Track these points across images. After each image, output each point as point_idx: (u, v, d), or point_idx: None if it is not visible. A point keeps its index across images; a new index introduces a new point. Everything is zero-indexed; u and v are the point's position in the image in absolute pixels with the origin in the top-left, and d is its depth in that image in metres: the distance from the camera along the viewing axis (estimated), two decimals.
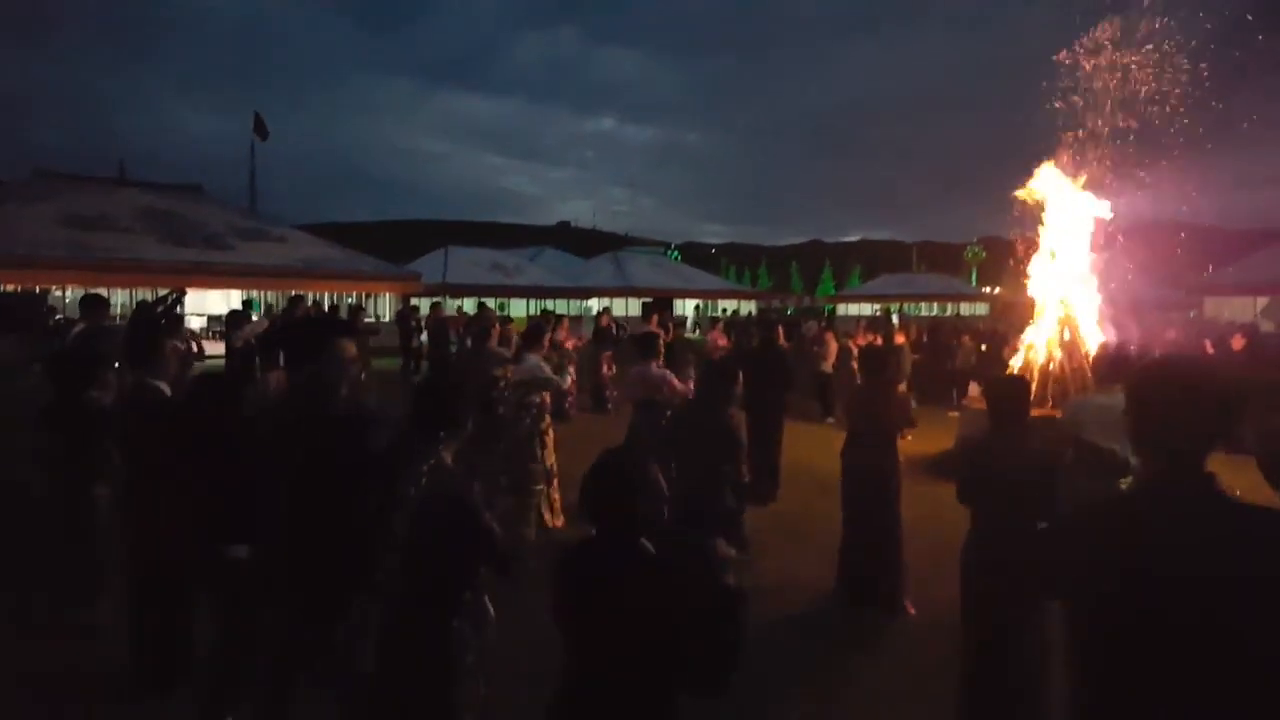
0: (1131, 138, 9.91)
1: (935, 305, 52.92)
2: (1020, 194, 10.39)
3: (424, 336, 18.65)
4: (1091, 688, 1.76)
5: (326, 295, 24.03)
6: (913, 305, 51.05)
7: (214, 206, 26.41)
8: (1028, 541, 2.38)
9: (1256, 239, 31.88)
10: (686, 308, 44.25)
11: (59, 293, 21.69)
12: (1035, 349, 10.24)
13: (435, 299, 22.50)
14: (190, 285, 16.51)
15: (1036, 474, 3.78)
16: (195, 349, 8.43)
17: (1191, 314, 29.53)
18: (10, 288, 19.05)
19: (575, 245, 75.08)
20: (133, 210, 23.31)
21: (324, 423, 3.18)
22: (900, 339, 14.20)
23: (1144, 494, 1.83)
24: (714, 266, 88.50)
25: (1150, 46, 9.78)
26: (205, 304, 25.56)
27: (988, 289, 67.99)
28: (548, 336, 8.44)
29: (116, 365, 5.22)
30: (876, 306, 46.48)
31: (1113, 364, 5.85)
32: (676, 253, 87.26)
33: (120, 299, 21.06)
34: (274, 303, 24.66)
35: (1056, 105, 10.22)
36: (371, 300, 26.97)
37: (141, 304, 12.30)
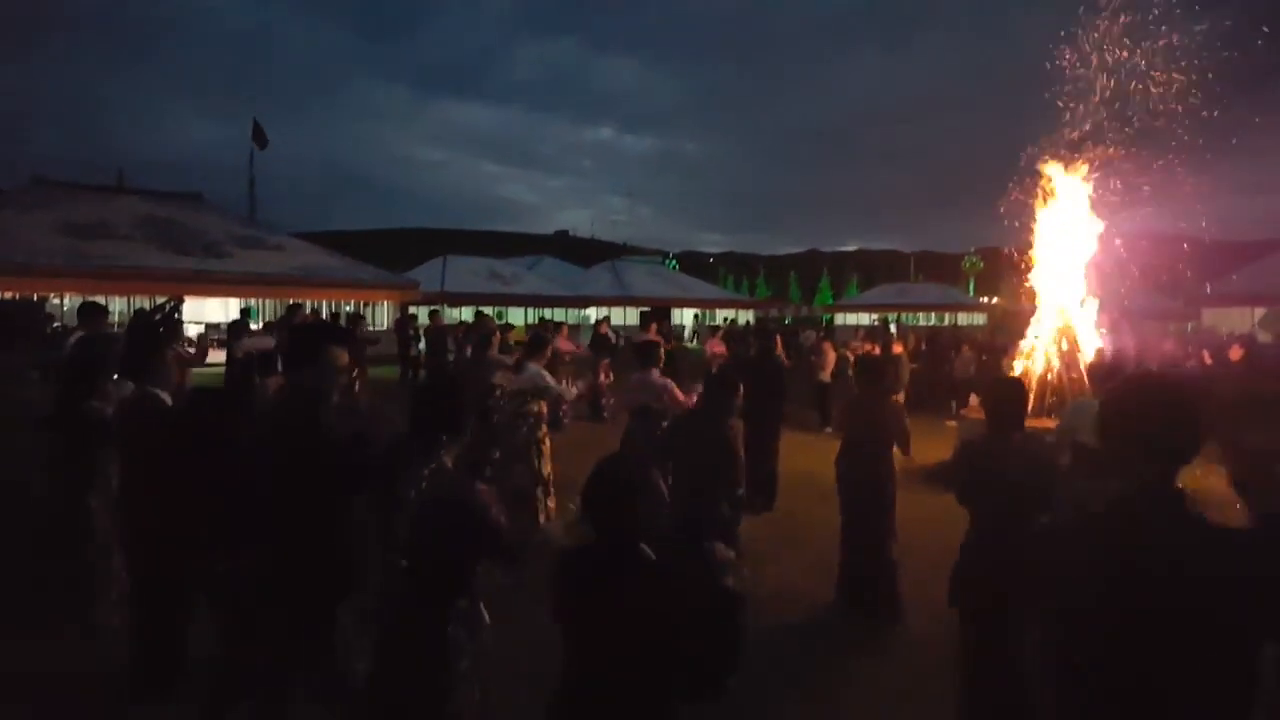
0: (1132, 148, 9.95)
1: (933, 315, 52.99)
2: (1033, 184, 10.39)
3: (421, 345, 18.67)
4: (1084, 688, 1.78)
5: (325, 303, 24.05)
6: (910, 315, 51.10)
7: (213, 215, 26.42)
8: (1027, 542, 2.38)
9: (1255, 250, 31.94)
10: (685, 317, 44.28)
11: (57, 300, 21.69)
12: (1034, 359, 10.26)
13: (433, 307, 22.50)
14: (189, 293, 16.51)
15: (1035, 475, 3.81)
16: (196, 352, 8.45)
17: (1190, 326, 29.57)
18: (8, 295, 19.04)
19: (573, 254, 75.21)
20: (131, 218, 23.33)
21: (312, 428, 3.18)
22: (898, 349, 14.22)
23: (1113, 513, 1.85)
24: (712, 276, 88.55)
25: (1149, 45, 9.81)
26: (204, 312, 25.56)
27: (985, 299, 68.09)
28: (550, 347, 8.44)
29: (115, 376, 5.22)
30: (874, 316, 46.55)
31: (1110, 371, 5.88)
32: (674, 262, 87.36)
33: (118, 307, 21.05)
34: (273, 311, 24.65)
35: (1059, 104, 10.26)
36: (370, 308, 26.97)
37: (139, 312, 12.32)
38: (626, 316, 37.35)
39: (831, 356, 14.42)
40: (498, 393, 7.23)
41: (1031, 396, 9.08)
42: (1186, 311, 31.28)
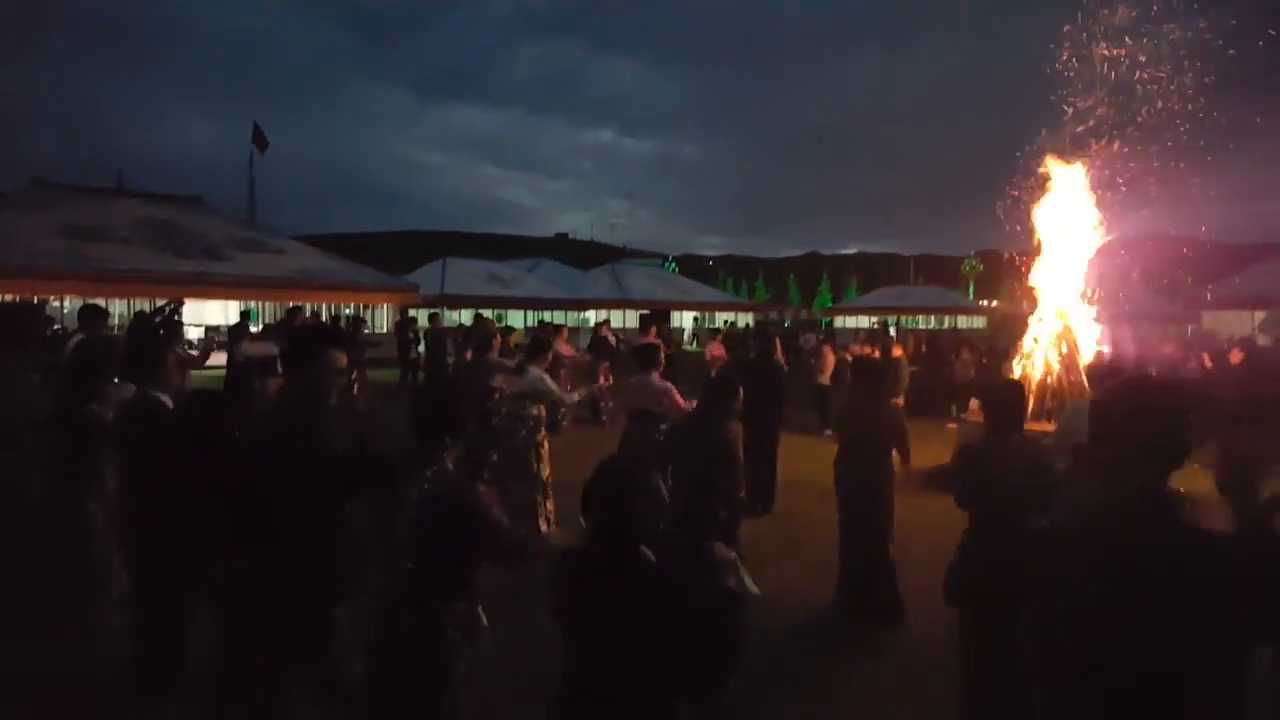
0: (1132, 147, 9.94)
1: (932, 318, 52.98)
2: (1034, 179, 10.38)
3: (421, 347, 18.68)
4: (1083, 688, 1.78)
5: (324, 306, 24.04)
6: (910, 318, 51.10)
7: (213, 217, 26.40)
8: (1027, 541, 2.40)
9: (1254, 253, 31.99)
10: (684, 319, 44.29)
11: (57, 303, 21.69)
12: (1033, 362, 10.26)
13: (433, 310, 22.53)
14: (188, 296, 16.49)
15: (1034, 477, 3.81)
16: (200, 354, 8.44)
17: (1190, 329, 29.59)
18: (8, 298, 19.04)
19: (573, 257, 75.18)
20: (131, 220, 23.32)
21: (311, 430, 3.19)
22: (898, 351, 14.22)
23: (1108, 515, 1.85)
24: (711, 278, 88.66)
25: (1150, 43, 9.81)
26: (203, 314, 25.55)
27: (985, 302, 68.13)
28: (552, 353, 8.43)
29: (116, 379, 5.22)
30: (874, 319, 46.54)
31: (1109, 372, 5.88)
32: (674, 264, 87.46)
33: (118, 309, 21.05)
34: (273, 314, 24.65)
35: (1062, 107, 10.25)
36: (369, 311, 26.97)
37: (139, 315, 12.30)
38: (626, 319, 37.34)
39: (831, 359, 14.42)
40: (496, 396, 7.24)
41: (1031, 399, 9.09)
42: (1186, 314, 31.32)
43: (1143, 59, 9.82)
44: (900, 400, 11.65)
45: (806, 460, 9.66)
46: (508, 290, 35.20)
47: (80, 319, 8.22)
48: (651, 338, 14.07)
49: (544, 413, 7.42)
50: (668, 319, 36.39)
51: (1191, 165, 9.97)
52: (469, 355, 9.49)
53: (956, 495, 4.11)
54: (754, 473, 7.01)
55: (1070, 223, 10.22)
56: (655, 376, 7.18)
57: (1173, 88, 9.67)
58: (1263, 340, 21.83)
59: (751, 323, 40.80)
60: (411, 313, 24.75)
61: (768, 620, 5.27)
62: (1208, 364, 13.31)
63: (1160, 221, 11.15)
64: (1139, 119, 9.86)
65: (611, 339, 17.38)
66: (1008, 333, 20.02)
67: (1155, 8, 9.81)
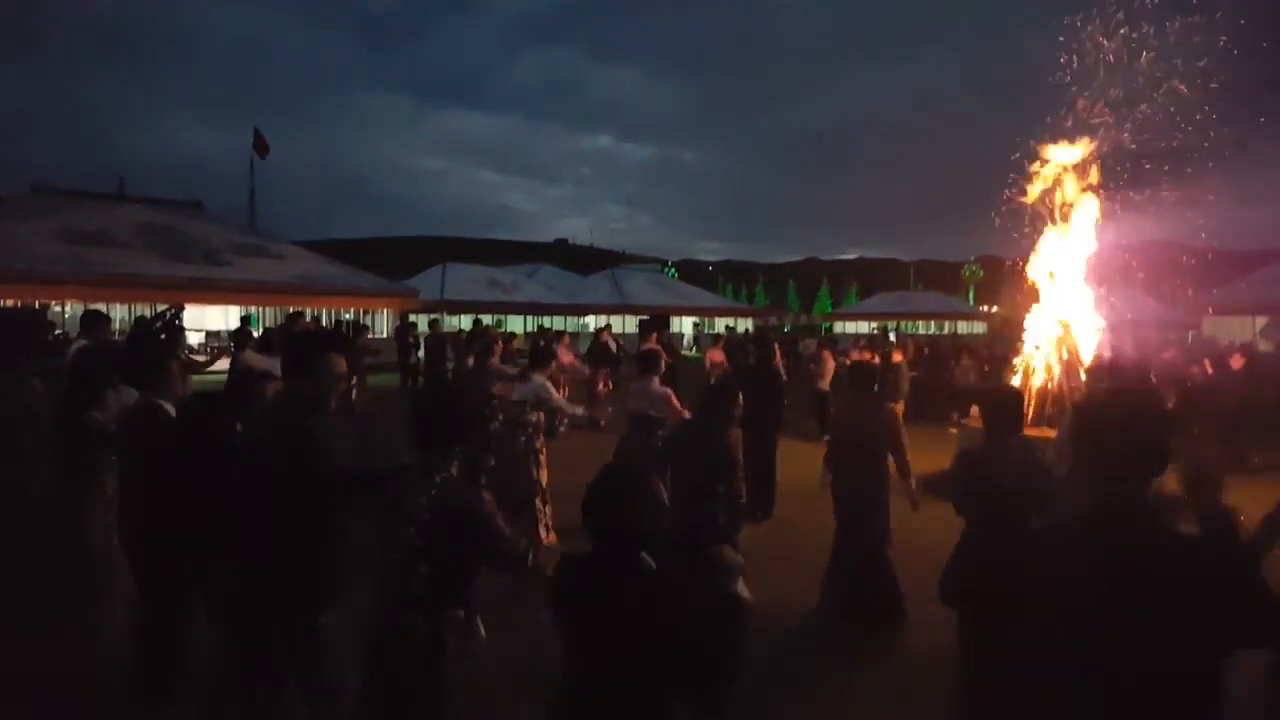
0: (1132, 159, 9.97)
1: (932, 323, 52.97)
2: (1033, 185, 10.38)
3: (421, 353, 18.70)
4: (1082, 687, 1.80)
5: (325, 311, 24.07)
6: (909, 323, 51.10)
7: (213, 223, 26.43)
8: (1026, 542, 2.42)
9: (1255, 259, 31.98)
10: (684, 325, 44.28)
11: (58, 308, 21.70)
12: (1033, 369, 10.26)
13: (433, 315, 22.56)
14: (189, 301, 16.54)
15: (1031, 482, 3.83)
16: (205, 360, 8.44)
17: (1190, 335, 29.60)
18: (9, 303, 19.06)
19: (573, 262, 75.22)
20: (132, 226, 23.34)
21: (309, 434, 3.20)
22: (898, 357, 14.23)
23: (1094, 519, 1.88)
24: (711, 284, 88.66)
25: (1152, 42, 9.83)
26: (204, 320, 25.58)
27: (985, 308, 68.11)
28: (555, 362, 8.40)
29: (118, 385, 5.22)
30: (874, 324, 46.54)
31: (1110, 376, 5.90)
32: (673, 270, 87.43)
33: (119, 314, 21.07)
34: (273, 319, 24.67)
35: (1062, 104, 10.27)
36: (370, 316, 27.01)
37: (140, 320, 12.31)
38: (625, 325, 37.37)
39: (830, 365, 14.42)
40: (495, 402, 7.24)
41: (1031, 405, 9.09)
42: (1187, 320, 31.32)
43: (1143, 59, 9.85)
44: (899, 406, 11.66)
45: (806, 466, 9.64)
46: (507, 295, 35.26)
47: (82, 325, 8.22)
48: (652, 344, 14.09)
49: (542, 418, 7.42)
50: (667, 324, 36.40)
51: (1193, 171, 10.00)
52: (471, 361, 9.49)
53: (956, 503, 4.13)
54: (754, 478, 7.02)
55: (1071, 228, 10.24)
56: (655, 382, 7.20)
57: (1173, 94, 9.69)
58: (1264, 346, 21.85)
59: (751, 328, 40.83)
60: (411, 318, 24.78)
61: (768, 622, 5.29)
62: (1209, 370, 13.33)
63: (1161, 228, 11.16)
64: (1140, 121, 9.88)
65: (612, 345, 17.39)
66: (1007, 339, 20.02)
67: (1154, 17, 9.84)
